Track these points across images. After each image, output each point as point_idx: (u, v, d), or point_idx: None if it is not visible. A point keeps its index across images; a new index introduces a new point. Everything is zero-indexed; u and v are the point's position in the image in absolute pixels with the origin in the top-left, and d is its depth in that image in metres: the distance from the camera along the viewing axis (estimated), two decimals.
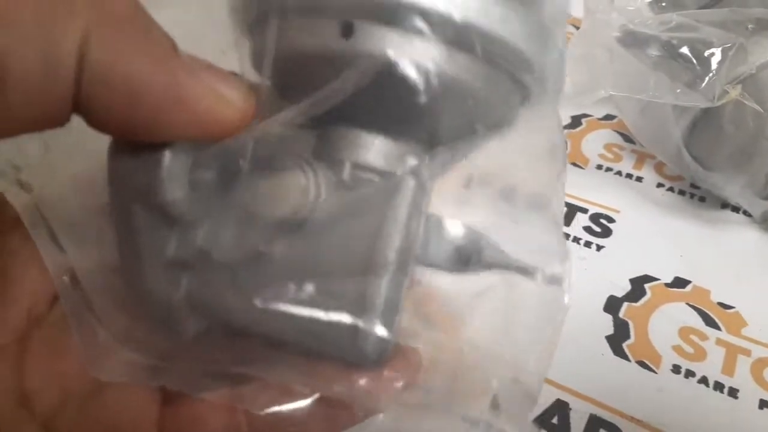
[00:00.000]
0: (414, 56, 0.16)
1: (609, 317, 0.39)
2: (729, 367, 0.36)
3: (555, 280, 0.19)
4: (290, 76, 0.18)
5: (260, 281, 0.17)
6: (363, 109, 0.17)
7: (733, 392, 0.35)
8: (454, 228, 0.18)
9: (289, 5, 0.17)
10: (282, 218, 0.17)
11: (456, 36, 0.16)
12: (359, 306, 0.17)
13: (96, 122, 0.16)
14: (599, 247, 0.44)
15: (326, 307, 0.17)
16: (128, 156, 0.17)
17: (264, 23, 0.17)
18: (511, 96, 0.18)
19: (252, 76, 0.18)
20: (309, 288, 0.17)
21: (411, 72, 0.16)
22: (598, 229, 0.46)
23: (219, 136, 0.17)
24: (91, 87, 0.15)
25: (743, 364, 0.36)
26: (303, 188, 0.17)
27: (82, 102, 0.15)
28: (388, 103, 0.17)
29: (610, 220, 0.46)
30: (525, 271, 0.19)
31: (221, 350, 0.19)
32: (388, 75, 0.16)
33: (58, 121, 0.16)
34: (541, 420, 0.34)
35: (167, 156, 0.17)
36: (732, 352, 0.37)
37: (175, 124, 0.16)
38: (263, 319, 0.17)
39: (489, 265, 0.18)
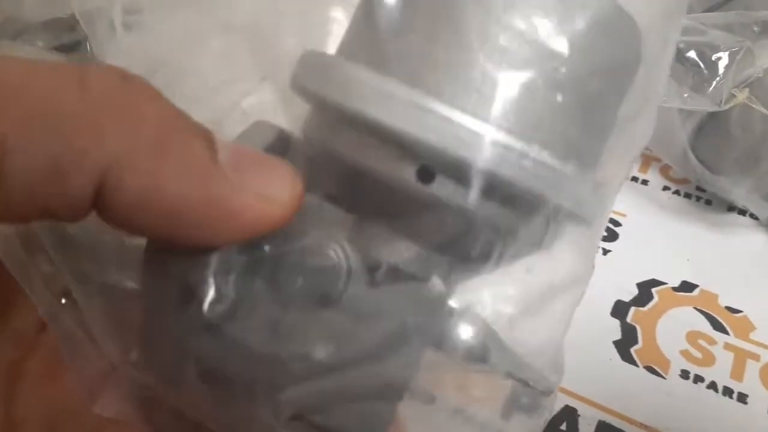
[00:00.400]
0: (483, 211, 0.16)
1: (616, 322, 0.39)
2: (738, 372, 0.36)
3: (546, 393, 0.19)
4: (344, 184, 0.17)
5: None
6: (410, 225, 0.17)
7: (742, 397, 0.35)
8: (466, 331, 0.18)
9: (365, 124, 0.16)
10: (311, 297, 0.17)
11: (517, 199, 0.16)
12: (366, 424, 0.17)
13: (129, 229, 0.15)
14: (606, 251, 0.44)
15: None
16: (168, 256, 0.16)
17: (331, 117, 0.17)
18: (545, 234, 0.18)
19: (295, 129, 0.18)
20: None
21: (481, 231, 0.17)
22: (604, 233, 0.46)
23: (266, 233, 0.16)
24: (122, 210, 0.14)
25: (752, 369, 0.36)
26: (336, 271, 0.17)
27: (109, 218, 0.15)
28: (436, 230, 0.17)
29: (617, 223, 0.46)
30: (525, 383, 0.19)
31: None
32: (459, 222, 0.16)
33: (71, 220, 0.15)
34: (550, 426, 0.34)
35: (215, 259, 0.16)
36: (741, 357, 0.37)
37: (221, 236, 0.15)
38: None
39: (492, 367, 0.18)
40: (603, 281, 0.42)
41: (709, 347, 0.38)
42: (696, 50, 0.37)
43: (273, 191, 0.16)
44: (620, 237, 0.45)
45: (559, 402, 0.35)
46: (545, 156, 0.16)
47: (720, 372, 0.36)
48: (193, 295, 0.16)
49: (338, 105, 0.16)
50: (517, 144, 0.15)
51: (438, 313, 0.18)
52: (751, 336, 0.38)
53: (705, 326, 0.39)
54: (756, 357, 0.37)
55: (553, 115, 0.16)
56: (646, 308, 0.40)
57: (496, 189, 0.16)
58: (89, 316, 0.19)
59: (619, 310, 0.40)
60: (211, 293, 0.16)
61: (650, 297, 0.41)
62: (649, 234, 0.46)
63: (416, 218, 0.17)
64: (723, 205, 0.47)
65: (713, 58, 0.36)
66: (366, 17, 0.17)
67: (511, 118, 0.16)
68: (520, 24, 0.16)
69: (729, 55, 0.36)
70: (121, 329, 0.18)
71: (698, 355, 0.37)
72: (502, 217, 0.17)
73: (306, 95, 0.18)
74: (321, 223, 0.17)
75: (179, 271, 0.16)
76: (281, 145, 0.18)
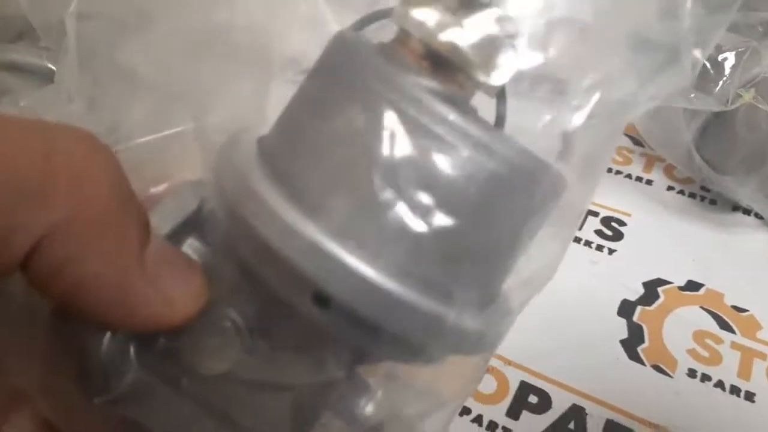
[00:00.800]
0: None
1: (623, 321, 0.39)
2: (745, 371, 0.36)
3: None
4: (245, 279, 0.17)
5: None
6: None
7: (749, 396, 0.35)
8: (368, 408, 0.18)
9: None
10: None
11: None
12: None
13: (38, 289, 0.15)
14: (611, 251, 0.44)
15: None
16: (70, 326, 0.17)
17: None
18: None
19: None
20: None
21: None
22: (609, 233, 0.46)
23: (162, 331, 0.17)
24: (43, 274, 0.15)
25: (759, 368, 0.36)
26: (230, 342, 0.17)
27: (29, 276, 0.15)
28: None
29: (622, 223, 0.46)
30: None
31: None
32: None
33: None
34: (558, 425, 0.34)
35: (106, 342, 0.17)
36: (747, 356, 0.37)
37: (122, 322, 0.16)
38: None
39: None
40: (609, 281, 0.42)
41: (715, 346, 0.38)
42: (701, 49, 0.37)
43: (179, 297, 0.16)
44: (625, 237, 0.45)
45: (567, 401, 0.35)
46: (411, 295, 0.15)
47: (727, 371, 0.36)
48: (89, 372, 0.17)
49: (236, 214, 0.16)
50: (389, 284, 0.15)
51: (337, 386, 0.18)
52: (758, 335, 0.38)
53: (711, 325, 0.39)
54: (763, 356, 0.37)
55: (437, 253, 0.16)
56: (652, 307, 0.40)
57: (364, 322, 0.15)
58: None
59: (626, 309, 0.40)
60: (99, 377, 0.17)
61: (656, 296, 0.41)
62: (654, 233, 0.46)
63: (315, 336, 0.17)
64: (728, 205, 0.47)
65: (719, 58, 0.36)
66: (290, 119, 0.17)
67: (391, 254, 0.15)
68: (416, 175, 0.15)
69: (735, 55, 0.36)
70: (24, 359, 0.19)
71: (705, 354, 0.37)
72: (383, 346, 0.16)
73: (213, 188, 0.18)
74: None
75: (79, 343, 0.17)
76: (197, 219, 0.18)
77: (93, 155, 0.15)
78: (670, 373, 0.36)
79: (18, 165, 0.14)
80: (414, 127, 0.15)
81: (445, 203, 0.15)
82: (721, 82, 0.36)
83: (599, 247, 0.45)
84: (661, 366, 0.37)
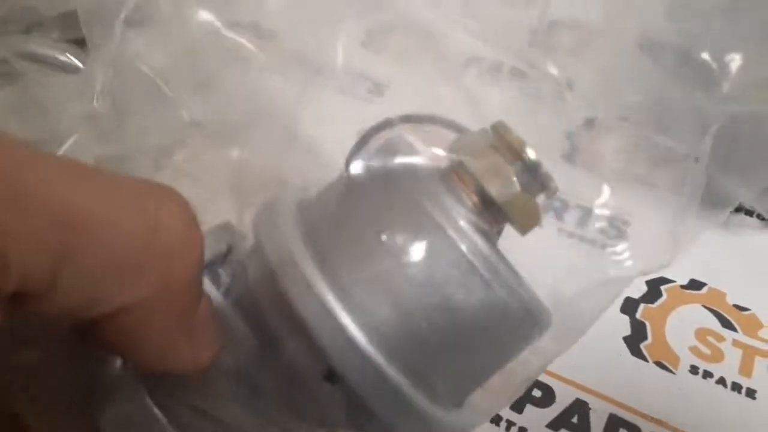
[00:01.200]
0: None
1: (626, 318, 0.40)
2: (746, 368, 0.37)
3: None
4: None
5: None
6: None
7: (750, 393, 0.35)
8: None
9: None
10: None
11: None
12: None
13: (79, 329, 0.15)
14: (614, 250, 0.44)
15: None
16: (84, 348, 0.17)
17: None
18: None
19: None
20: None
21: None
22: (613, 231, 0.46)
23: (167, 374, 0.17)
24: (95, 325, 0.14)
25: (761, 365, 0.37)
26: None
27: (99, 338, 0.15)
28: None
29: (625, 222, 0.47)
30: None
31: None
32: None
33: None
34: (561, 419, 0.34)
35: (119, 365, 0.18)
36: (749, 354, 0.37)
37: (144, 366, 0.17)
38: None
39: None
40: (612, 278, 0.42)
41: (717, 344, 0.38)
42: (709, 51, 0.37)
43: (206, 356, 0.17)
44: (628, 235, 0.46)
45: (571, 395, 0.35)
46: (415, 396, 0.17)
47: (729, 368, 0.37)
48: (97, 389, 0.18)
49: (277, 284, 0.17)
50: (400, 381, 0.16)
51: None
52: (760, 333, 0.39)
53: (713, 323, 0.39)
54: (764, 353, 0.37)
55: (437, 357, 0.17)
56: (655, 305, 0.40)
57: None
58: None
59: (629, 306, 0.40)
60: (106, 396, 0.18)
61: (659, 294, 0.41)
62: (656, 233, 0.46)
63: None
64: (732, 205, 0.48)
65: (726, 59, 0.37)
66: (337, 204, 0.19)
67: (405, 351, 0.17)
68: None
69: (742, 57, 0.36)
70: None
71: (707, 351, 0.38)
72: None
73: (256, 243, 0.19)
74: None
75: (93, 359, 0.18)
76: (225, 257, 0.19)
77: (190, 232, 0.15)
78: (673, 370, 0.37)
79: (125, 235, 0.14)
80: (449, 250, 0.17)
81: (455, 319, 0.17)
82: (727, 82, 0.37)
83: (602, 246, 0.45)
84: (664, 362, 0.37)
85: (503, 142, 0.18)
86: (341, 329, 0.16)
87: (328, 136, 0.22)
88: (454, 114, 0.21)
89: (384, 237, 0.17)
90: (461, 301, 0.17)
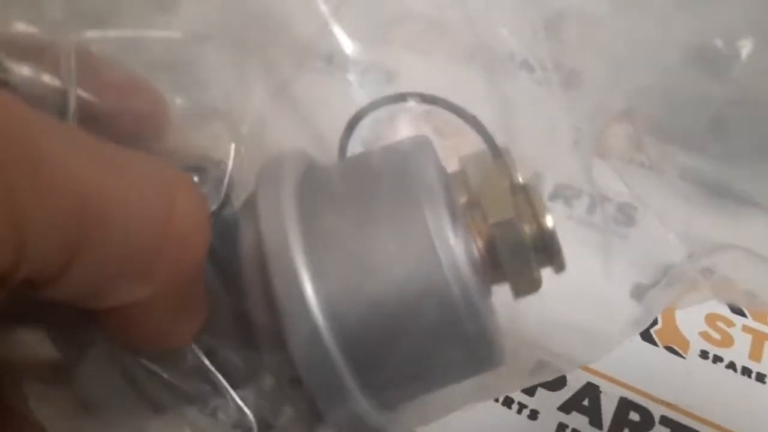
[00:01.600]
0: None
1: (636, 303, 0.40)
2: (756, 353, 0.37)
3: None
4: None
5: None
6: None
7: (761, 377, 0.36)
8: None
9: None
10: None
11: None
12: None
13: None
14: (623, 236, 0.45)
15: None
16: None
17: None
18: None
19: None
20: None
21: None
22: (622, 218, 0.46)
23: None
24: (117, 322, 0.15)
25: None
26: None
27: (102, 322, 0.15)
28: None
29: (634, 208, 0.47)
30: None
31: None
32: None
33: None
34: (572, 402, 0.35)
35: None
36: (759, 339, 0.38)
37: (127, 343, 0.16)
38: None
39: None
40: (622, 264, 0.43)
41: (727, 329, 0.38)
42: (720, 37, 0.37)
43: (188, 332, 0.16)
44: (637, 222, 0.46)
45: (582, 379, 0.36)
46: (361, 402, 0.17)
47: (738, 353, 0.37)
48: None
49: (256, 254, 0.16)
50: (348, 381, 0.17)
51: None
52: None
53: (723, 309, 0.40)
54: None
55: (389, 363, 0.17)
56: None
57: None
58: None
59: (639, 292, 0.41)
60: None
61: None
62: (665, 220, 0.46)
63: None
64: (739, 195, 0.48)
65: (737, 44, 0.37)
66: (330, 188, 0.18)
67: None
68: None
69: (752, 42, 0.37)
70: None
71: (717, 336, 0.38)
72: None
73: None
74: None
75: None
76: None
77: (201, 219, 0.15)
78: (683, 354, 0.37)
79: (142, 227, 0.13)
80: (440, 284, 0.17)
81: (417, 332, 0.17)
82: (736, 70, 0.37)
83: (612, 232, 0.45)
84: (674, 347, 0.37)
85: (526, 201, 0.18)
86: (303, 300, 0.16)
87: (336, 123, 0.23)
88: (464, 103, 0.21)
89: (375, 238, 0.17)
90: (428, 320, 0.17)
